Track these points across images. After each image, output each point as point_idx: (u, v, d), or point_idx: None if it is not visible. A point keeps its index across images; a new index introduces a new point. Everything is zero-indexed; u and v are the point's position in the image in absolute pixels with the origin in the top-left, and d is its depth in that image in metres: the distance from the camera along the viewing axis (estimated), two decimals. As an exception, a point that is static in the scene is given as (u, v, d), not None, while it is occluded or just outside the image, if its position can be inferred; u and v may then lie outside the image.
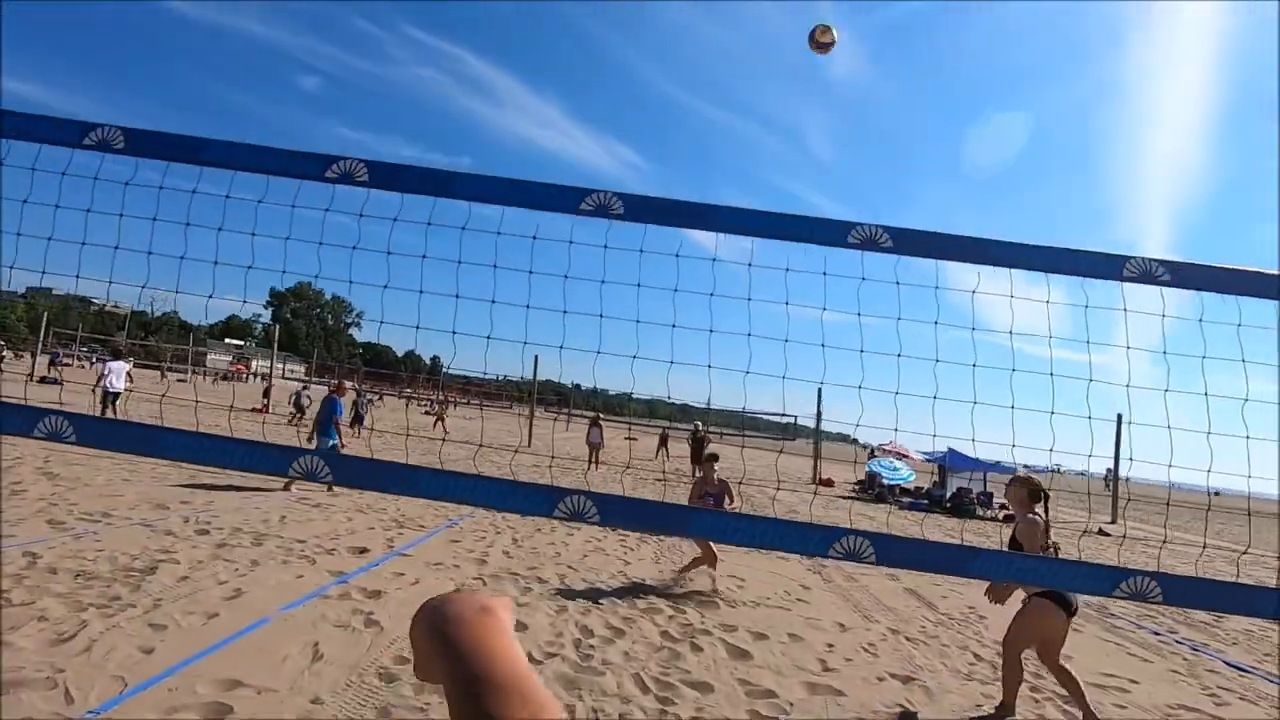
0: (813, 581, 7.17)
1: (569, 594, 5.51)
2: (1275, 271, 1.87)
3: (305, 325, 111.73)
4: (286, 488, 8.64)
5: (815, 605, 6.18)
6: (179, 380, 36.14)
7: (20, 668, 3.10)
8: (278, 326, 40.91)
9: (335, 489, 8.79)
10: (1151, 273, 1.75)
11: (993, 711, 4.03)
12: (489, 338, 2.06)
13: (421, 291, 2.10)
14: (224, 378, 56.83)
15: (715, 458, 6.53)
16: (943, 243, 1.90)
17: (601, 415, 20.33)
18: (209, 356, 71.09)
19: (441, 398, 38.29)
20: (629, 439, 32.78)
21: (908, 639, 5.43)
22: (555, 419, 42.24)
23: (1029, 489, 4.03)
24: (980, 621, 6.26)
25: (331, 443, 9.15)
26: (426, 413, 37.99)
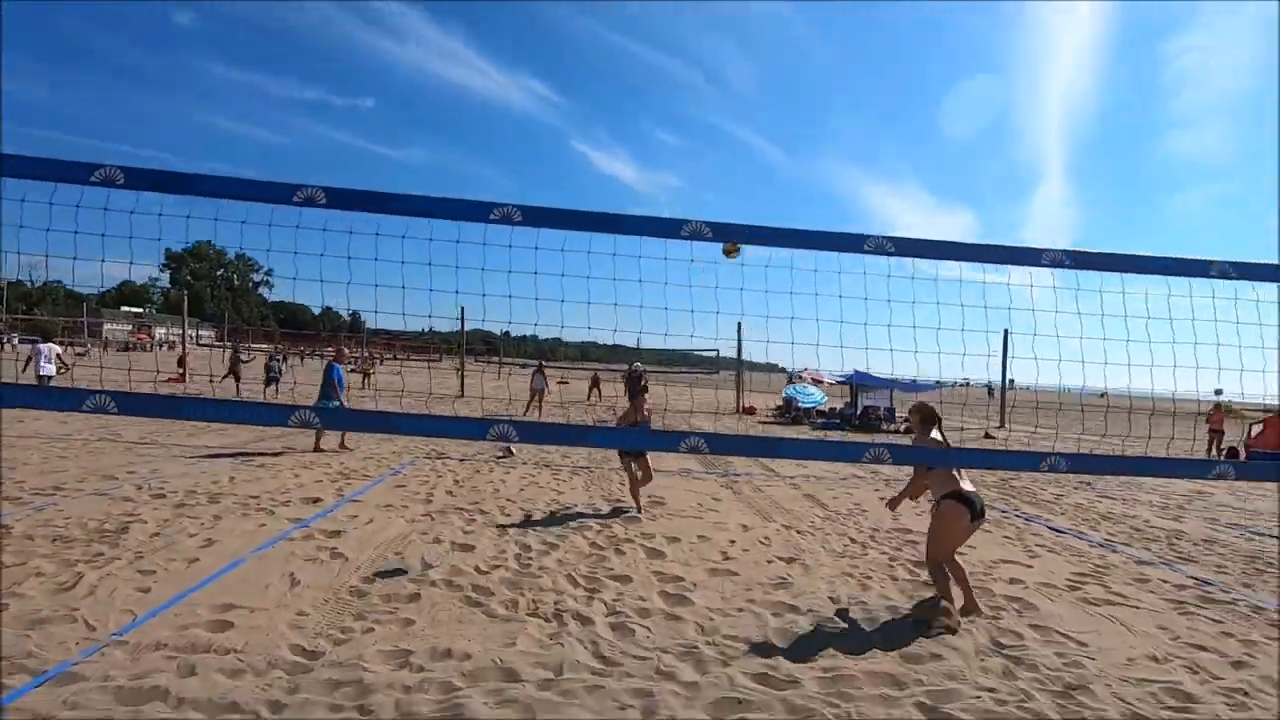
0: (724, 495, 8.21)
1: (508, 520, 6.29)
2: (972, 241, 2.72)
3: (210, 287, 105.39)
4: (317, 448, 9.81)
5: (724, 513, 7.19)
6: (78, 354, 34.15)
7: (37, 610, 3.63)
8: (185, 292, 38.78)
9: (348, 443, 10.29)
10: (883, 248, 2.55)
11: (951, 616, 4.19)
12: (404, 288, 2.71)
13: (332, 257, 2.70)
14: (126, 348, 53.69)
15: (645, 389, 7.20)
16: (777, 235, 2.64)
17: (545, 362, 20.89)
18: (105, 327, 66.65)
19: (367, 355, 37.70)
20: (561, 383, 33.45)
21: (797, 532, 6.51)
22: (484, 369, 42.38)
23: (923, 414, 4.49)
24: (862, 515, 7.45)
25: (334, 404, 9.63)
26: (353, 370, 37.46)
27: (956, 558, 4.51)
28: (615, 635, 3.84)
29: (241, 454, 9.02)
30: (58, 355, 12.60)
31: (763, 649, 3.75)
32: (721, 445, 2.60)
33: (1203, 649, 4.08)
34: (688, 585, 4.76)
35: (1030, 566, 5.73)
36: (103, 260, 2.67)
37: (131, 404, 2.29)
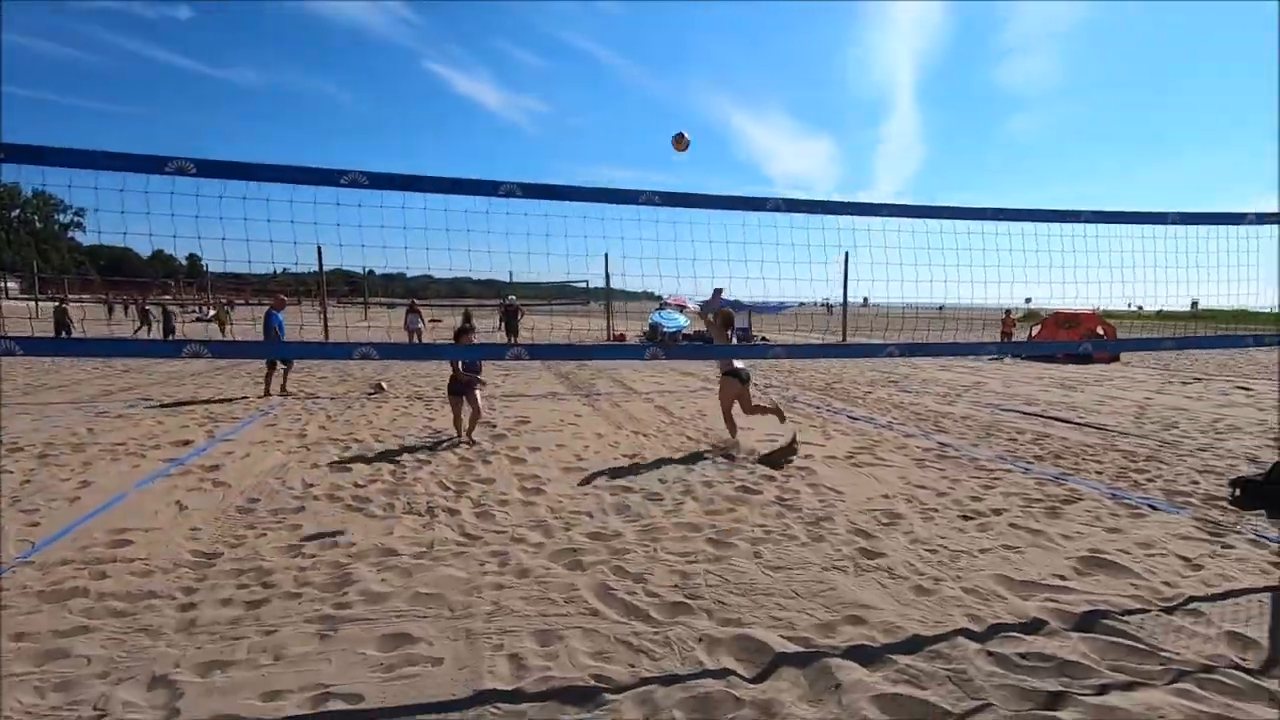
0: (585, 411, 9.18)
1: (383, 447, 6.90)
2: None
3: (4, 230, 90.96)
4: (267, 394, 10.10)
5: (582, 426, 8.16)
6: None
7: (-72, 549, 3.92)
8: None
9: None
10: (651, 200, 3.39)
11: (734, 447, 6.83)
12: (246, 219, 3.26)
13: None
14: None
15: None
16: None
17: (416, 300, 20.65)
18: None
19: (223, 301, 35.17)
20: (434, 321, 32.97)
21: (644, 436, 7.60)
22: (347, 311, 40.71)
23: (723, 319, 6.93)
24: (701, 418, 8.68)
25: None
26: (199, 319, 34.73)
27: (740, 416, 6.96)
28: (479, 520, 4.69)
29: (89, 408, 8.83)
30: None
31: (598, 517, 4.75)
32: (541, 352, 3.42)
33: (922, 487, 5.56)
34: (543, 481, 5.68)
35: (823, 445, 7.16)
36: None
37: (37, 346, 2.73)
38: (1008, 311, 20.87)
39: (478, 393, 7.26)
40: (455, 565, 3.87)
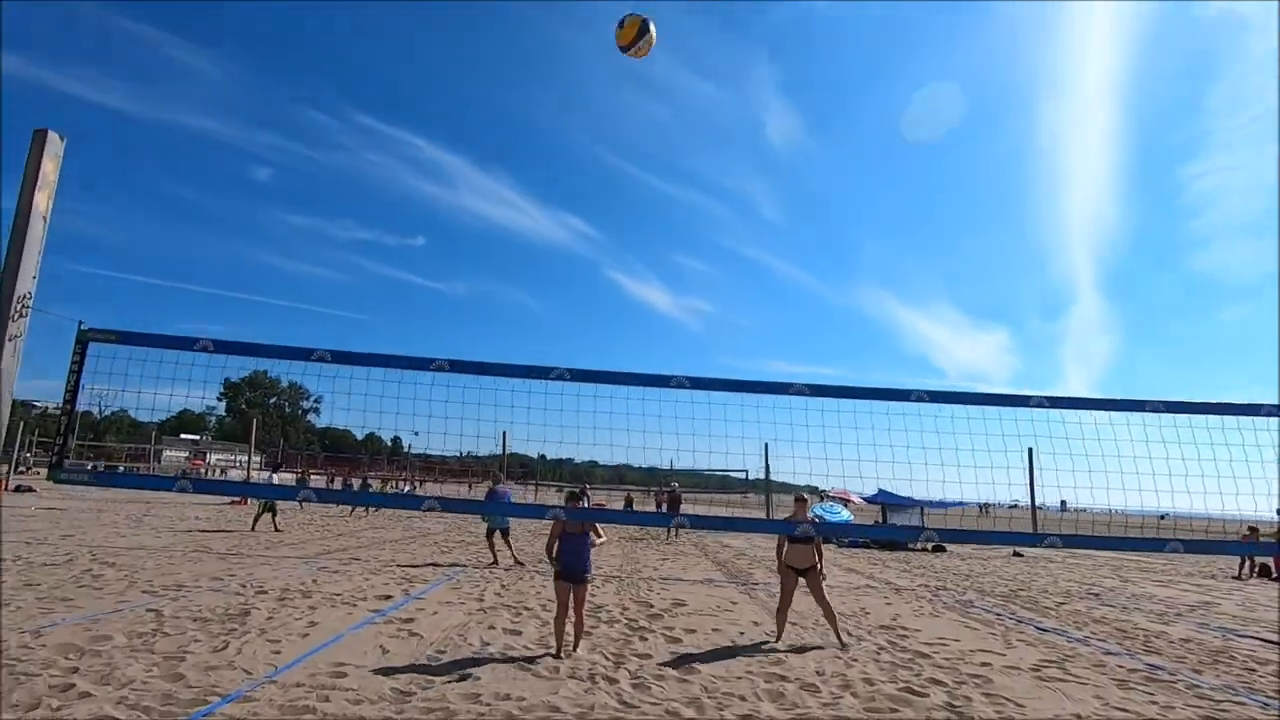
0: (740, 599, 9.11)
1: (550, 614, 7.35)
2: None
3: (262, 414, 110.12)
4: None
5: (737, 612, 8.11)
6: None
7: (206, 661, 4.86)
8: (254, 419, 41.31)
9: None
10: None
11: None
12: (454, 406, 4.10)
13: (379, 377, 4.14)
14: (183, 475, 56.28)
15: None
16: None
17: (587, 485, 22.01)
18: (165, 453, 70.07)
19: (408, 476, 39.24)
20: (598, 504, 34.20)
21: (801, 627, 7.40)
22: (520, 489, 43.34)
23: (796, 498, 6.95)
24: (865, 615, 8.25)
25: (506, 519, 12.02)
26: (395, 493, 38.82)
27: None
28: (635, 690, 4.88)
29: (314, 563, 10.29)
30: None
31: (751, 701, 4.75)
32: (700, 523, 3.86)
33: (1123, 710, 4.91)
34: (697, 660, 5.76)
35: (1003, 655, 6.53)
36: (170, 395, 4.02)
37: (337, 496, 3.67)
38: (1252, 528, 17.81)
39: (587, 590, 5.91)
40: (613, 728, 4.09)
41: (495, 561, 11.30)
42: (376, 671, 4.93)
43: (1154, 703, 5.14)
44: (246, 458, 30.91)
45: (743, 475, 28.66)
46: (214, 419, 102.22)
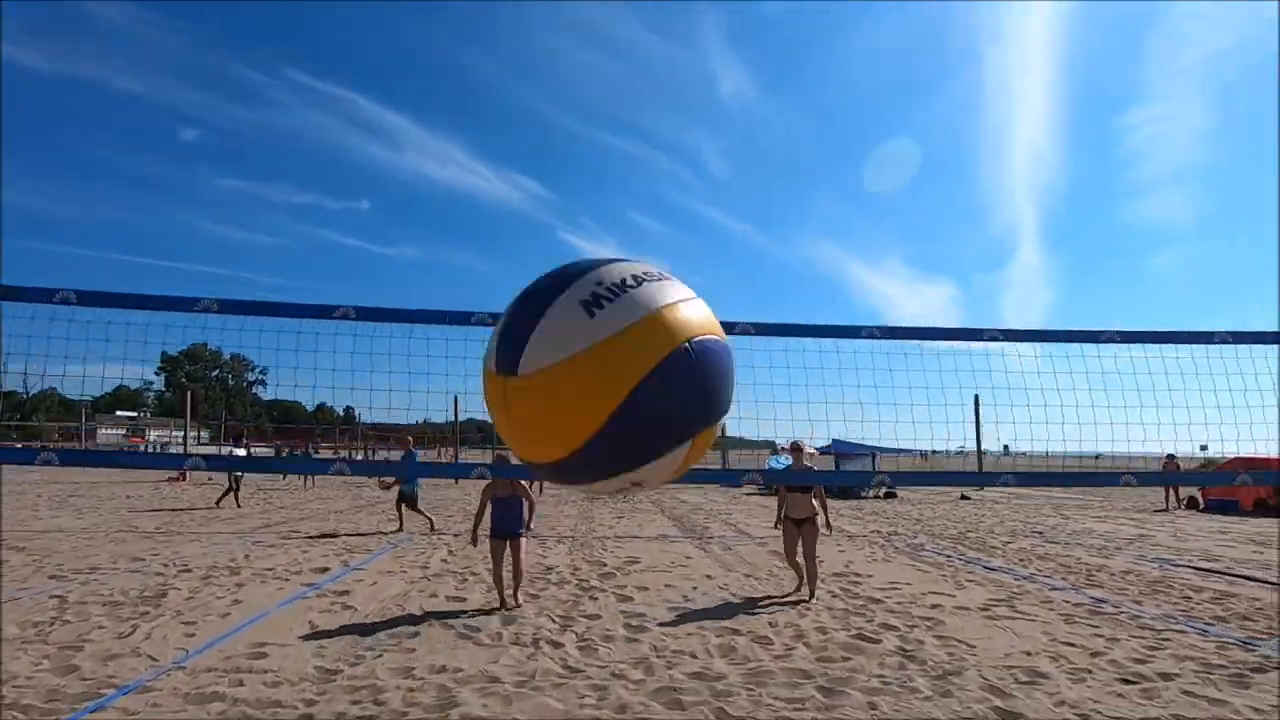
0: (696, 554, 9.00)
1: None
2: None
3: (204, 388, 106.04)
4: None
5: (692, 568, 7.98)
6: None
7: (108, 650, 4.43)
8: (189, 392, 39.52)
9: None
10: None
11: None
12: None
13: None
14: (43, 447, 53.76)
15: None
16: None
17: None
18: (100, 431, 66.93)
19: (361, 446, 38.38)
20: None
21: (755, 579, 7.31)
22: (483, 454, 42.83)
23: (793, 446, 6.61)
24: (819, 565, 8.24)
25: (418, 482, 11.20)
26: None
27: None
28: (581, 654, 4.65)
29: (249, 538, 9.77)
30: None
31: (702, 658, 4.57)
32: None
33: (1070, 645, 4.91)
34: (648, 619, 5.57)
35: (953, 595, 6.55)
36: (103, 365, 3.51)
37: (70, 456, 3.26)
38: (1170, 455, 18.62)
39: (523, 542, 5.93)
40: (554, 696, 3.85)
41: (433, 528, 10.75)
42: (301, 650, 4.57)
43: (1099, 635, 5.17)
44: (183, 434, 29.53)
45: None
46: (152, 395, 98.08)
